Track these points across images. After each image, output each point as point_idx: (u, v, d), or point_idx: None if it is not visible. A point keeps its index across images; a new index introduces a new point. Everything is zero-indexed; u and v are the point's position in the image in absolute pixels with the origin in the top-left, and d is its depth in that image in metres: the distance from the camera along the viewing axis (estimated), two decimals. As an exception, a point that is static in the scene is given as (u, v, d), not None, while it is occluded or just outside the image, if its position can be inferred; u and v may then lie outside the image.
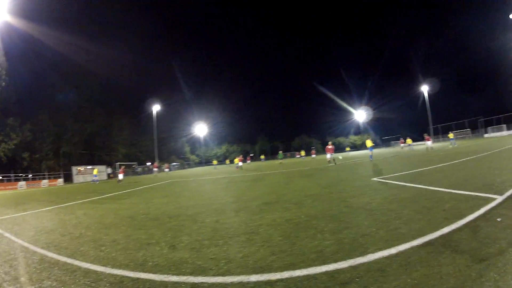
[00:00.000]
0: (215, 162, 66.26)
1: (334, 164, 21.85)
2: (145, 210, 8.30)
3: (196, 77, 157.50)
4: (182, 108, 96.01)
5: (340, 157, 21.44)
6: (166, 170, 48.05)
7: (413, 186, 7.79)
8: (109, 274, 3.53)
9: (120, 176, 26.09)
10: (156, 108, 62.21)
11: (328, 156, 23.29)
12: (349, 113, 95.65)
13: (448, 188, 6.90)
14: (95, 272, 3.64)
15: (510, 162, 11.40)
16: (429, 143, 30.16)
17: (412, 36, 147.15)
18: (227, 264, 3.57)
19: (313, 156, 54.33)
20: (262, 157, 65.92)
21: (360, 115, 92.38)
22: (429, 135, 34.04)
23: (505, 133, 57.51)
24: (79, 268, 3.83)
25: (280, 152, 48.43)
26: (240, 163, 34.71)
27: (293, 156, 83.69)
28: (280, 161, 44.00)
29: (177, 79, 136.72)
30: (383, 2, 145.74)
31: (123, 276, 3.41)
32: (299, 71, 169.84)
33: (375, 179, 10.07)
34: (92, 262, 4.01)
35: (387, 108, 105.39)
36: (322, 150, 67.78)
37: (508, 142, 25.77)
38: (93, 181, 36.29)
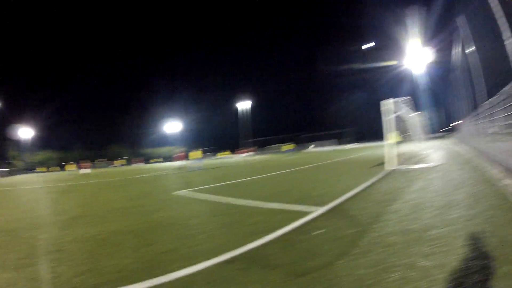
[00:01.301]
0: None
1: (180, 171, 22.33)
2: None
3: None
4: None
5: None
6: None
7: (221, 199, 7.88)
8: None
9: None
10: None
11: (177, 163, 24.72)
12: (161, 124, 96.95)
13: (257, 201, 7.03)
14: None
15: (330, 176, 12.00)
16: (244, 155, 31.37)
17: (229, 53, 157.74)
18: None
19: (140, 164, 53.03)
20: None
21: (172, 126, 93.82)
22: (247, 148, 36.52)
23: (328, 148, 64.44)
24: None
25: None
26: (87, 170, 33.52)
27: (108, 165, 79.35)
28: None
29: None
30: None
31: None
32: (113, 80, 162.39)
33: (182, 191, 10.05)
34: None
35: (201, 120, 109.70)
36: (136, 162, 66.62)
37: (331, 156, 27.47)
38: None
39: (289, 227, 4.57)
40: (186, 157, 23.92)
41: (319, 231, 4.26)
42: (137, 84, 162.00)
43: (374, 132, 64.71)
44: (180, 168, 23.41)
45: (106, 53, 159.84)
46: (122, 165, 57.59)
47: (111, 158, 78.70)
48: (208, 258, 3.54)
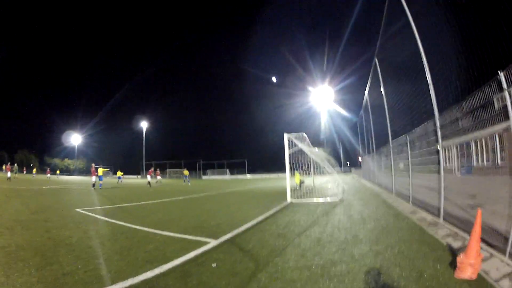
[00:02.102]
0: None
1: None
2: None
3: None
4: None
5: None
6: None
7: (114, 222, 8.06)
8: None
9: None
10: None
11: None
12: (65, 135, 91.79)
13: (151, 228, 7.07)
14: None
15: (226, 205, 12.12)
16: (149, 177, 30.47)
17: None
18: None
19: (48, 175, 49.54)
20: None
21: (75, 139, 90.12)
22: (154, 169, 35.68)
23: (227, 177, 64.93)
24: None
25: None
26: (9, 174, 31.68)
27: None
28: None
29: None
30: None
31: None
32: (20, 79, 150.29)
33: (79, 210, 10.29)
34: None
35: (101, 137, 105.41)
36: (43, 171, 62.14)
37: (226, 186, 28.13)
38: None
39: (185, 257, 4.64)
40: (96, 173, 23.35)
41: (217, 264, 4.31)
42: (47, 87, 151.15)
43: (272, 164, 66.40)
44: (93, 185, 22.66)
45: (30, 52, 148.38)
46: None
47: (20, 165, 72.05)
48: (103, 286, 3.58)
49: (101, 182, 24.08)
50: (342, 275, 3.75)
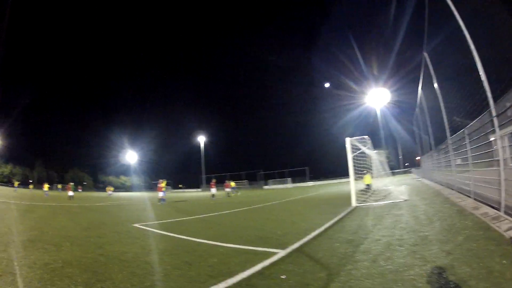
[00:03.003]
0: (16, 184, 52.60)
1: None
2: None
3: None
4: None
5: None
6: None
7: (173, 236, 7.67)
8: None
9: None
10: None
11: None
12: (121, 153, 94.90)
13: (213, 241, 6.65)
14: None
15: (292, 214, 11.59)
16: (213, 190, 29.11)
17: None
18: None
19: (109, 193, 50.03)
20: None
21: (131, 156, 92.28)
22: (215, 182, 35.32)
23: (289, 185, 63.87)
24: None
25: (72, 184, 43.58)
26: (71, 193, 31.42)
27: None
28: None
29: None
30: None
31: None
32: (72, 103, 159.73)
33: (136, 225, 9.91)
34: None
35: (160, 152, 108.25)
36: (92, 187, 64.48)
37: (289, 194, 26.90)
38: None
39: (251, 270, 4.30)
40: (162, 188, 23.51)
41: (286, 276, 4.00)
42: (97, 109, 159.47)
43: (332, 169, 66.13)
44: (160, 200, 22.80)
45: (76, 74, 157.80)
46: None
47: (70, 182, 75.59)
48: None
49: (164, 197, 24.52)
50: (416, 279, 3.57)
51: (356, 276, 3.80)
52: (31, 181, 73.99)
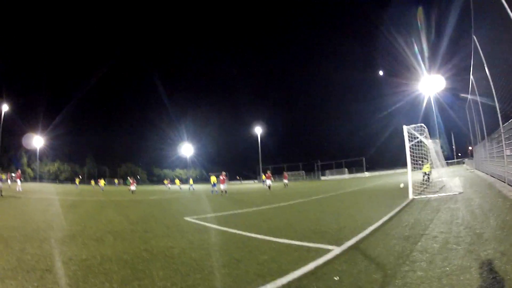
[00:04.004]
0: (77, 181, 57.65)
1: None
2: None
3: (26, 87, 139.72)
4: (24, 115, 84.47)
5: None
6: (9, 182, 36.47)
7: (225, 230, 7.42)
8: None
9: None
10: (4, 108, 52.95)
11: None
12: (176, 146, 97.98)
13: (265, 235, 6.40)
14: None
15: (348, 207, 11.40)
16: (268, 181, 29.66)
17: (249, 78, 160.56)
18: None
19: (169, 186, 51.29)
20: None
21: (187, 149, 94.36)
22: (271, 173, 35.38)
23: (346, 176, 63.92)
24: None
25: (128, 178, 45.70)
26: (133, 187, 32.42)
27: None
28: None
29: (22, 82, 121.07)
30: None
31: None
32: (125, 98, 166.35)
33: (187, 218, 9.67)
34: None
35: (216, 144, 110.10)
36: (146, 180, 66.61)
37: (346, 186, 26.58)
38: None
39: (303, 269, 4.01)
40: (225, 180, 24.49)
41: (336, 277, 3.70)
42: (151, 103, 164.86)
43: (388, 159, 64.99)
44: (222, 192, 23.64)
45: (127, 70, 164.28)
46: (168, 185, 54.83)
47: (123, 177, 78.46)
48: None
49: (215, 189, 25.83)
50: (472, 285, 3.27)
51: (412, 279, 3.53)
52: (80, 177, 77.51)
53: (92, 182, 61.41)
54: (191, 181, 40.11)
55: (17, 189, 23.79)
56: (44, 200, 18.14)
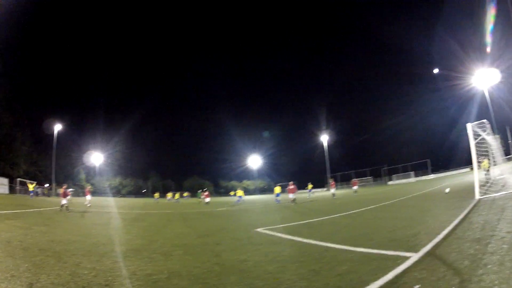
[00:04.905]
0: (157, 195, 58.28)
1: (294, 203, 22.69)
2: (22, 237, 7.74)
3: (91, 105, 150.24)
4: (82, 134, 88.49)
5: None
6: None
7: (299, 241, 7.16)
8: None
9: (63, 201, 19.98)
10: (57, 127, 57.44)
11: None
12: (243, 158, 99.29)
13: (342, 245, 6.25)
14: None
15: (419, 211, 11.28)
16: (333, 189, 30.01)
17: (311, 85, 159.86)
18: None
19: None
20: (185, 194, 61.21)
21: (254, 160, 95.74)
22: (334, 180, 35.45)
23: (412, 179, 62.75)
24: None
25: (199, 191, 47.76)
26: (208, 199, 33.79)
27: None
28: (200, 199, 42.36)
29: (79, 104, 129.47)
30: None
31: None
32: (188, 110, 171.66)
33: (259, 229, 9.33)
34: None
35: (281, 154, 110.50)
36: (214, 192, 68.12)
37: (414, 189, 26.09)
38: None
39: (383, 279, 3.86)
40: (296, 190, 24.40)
41: (417, 286, 3.54)
42: (215, 116, 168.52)
43: (451, 159, 63.30)
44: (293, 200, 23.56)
45: (187, 83, 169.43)
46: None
47: (188, 190, 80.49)
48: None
49: (278, 198, 26.05)
50: None
51: (486, 283, 3.47)
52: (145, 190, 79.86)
53: (169, 195, 62.02)
54: (239, 192, 39.74)
55: (87, 204, 24.41)
56: (107, 214, 18.51)
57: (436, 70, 66.17)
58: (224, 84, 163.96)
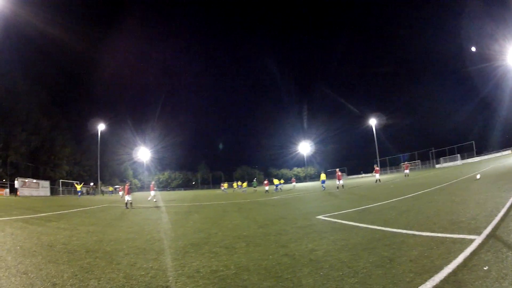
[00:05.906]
0: (225, 185, 56.56)
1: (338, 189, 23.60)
2: (66, 239, 7.43)
3: (138, 99, 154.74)
4: (125, 131, 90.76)
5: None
6: (121, 193, 38.32)
7: (365, 227, 7.02)
8: None
9: (127, 197, 20.14)
10: (101, 127, 59.28)
11: (337, 182, 25.23)
12: (293, 145, 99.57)
13: (408, 230, 6.20)
14: None
15: (473, 193, 11.11)
16: (377, 175, 30.56)
17: (359, 68, 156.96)
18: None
19: (293, 184, 50.62)
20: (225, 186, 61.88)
21: (304, 147, 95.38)
22: (378, 166, 35.26)
23: (458, 162, 60.74)
24: None
25: (255, 180, 48.64)
26: (267, 187, 35.31)
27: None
28: (254, 188, 44.23)
29: (121, 101, 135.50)
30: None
31: None
32: (241, 101, 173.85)
33: (320, 217, 9.21)
34: None
35: (331, 140, 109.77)
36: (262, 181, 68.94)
37: (463, 172, 25.49)
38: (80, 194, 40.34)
39: (454, 262, 3.95)
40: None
41: (486, 267, 3.70)
42: (265, 104, 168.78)
43: (493, 141, 63.57)
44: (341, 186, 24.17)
45: (238, 76, 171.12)
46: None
47: (238, 179, 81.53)
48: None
49: (324, 185, 26.73)
50: None
51: None
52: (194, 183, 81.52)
53: (235, 184, 60.21)
54: (275, 180, 40.07)
55: (152, 199, 24.37)
56: (161, 208, 17.94)
57: (473, 48, 63.27)
58: (272, 74, 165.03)
